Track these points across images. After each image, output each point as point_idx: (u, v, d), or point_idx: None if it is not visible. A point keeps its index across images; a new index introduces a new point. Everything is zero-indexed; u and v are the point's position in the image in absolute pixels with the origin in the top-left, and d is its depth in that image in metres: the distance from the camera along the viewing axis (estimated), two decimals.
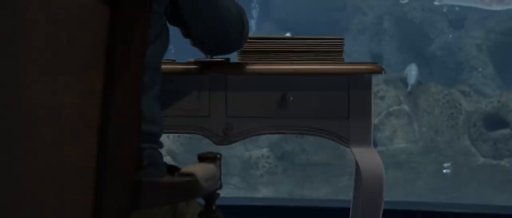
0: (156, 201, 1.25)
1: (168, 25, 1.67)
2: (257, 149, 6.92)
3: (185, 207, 1.53)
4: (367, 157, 1.94)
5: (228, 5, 1.76)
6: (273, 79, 1.95)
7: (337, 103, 1.96)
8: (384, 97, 7.23)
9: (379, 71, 1.94)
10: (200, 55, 2.00)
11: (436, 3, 8.49)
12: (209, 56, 1.99)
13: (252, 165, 6.89)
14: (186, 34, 1.79)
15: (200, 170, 1.36)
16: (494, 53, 8.42)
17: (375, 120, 6.92)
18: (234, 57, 2.02)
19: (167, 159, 6.22)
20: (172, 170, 1.47)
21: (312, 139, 6.47)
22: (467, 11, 8.84)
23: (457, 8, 8.80)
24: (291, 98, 1.95)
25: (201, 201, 1.55)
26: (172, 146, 6.49)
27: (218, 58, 1.97)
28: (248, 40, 1.92)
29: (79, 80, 1.14)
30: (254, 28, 8.45)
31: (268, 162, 6.91)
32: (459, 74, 8.30)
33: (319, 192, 6.72)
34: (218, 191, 1.53)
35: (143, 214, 1.29)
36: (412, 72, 7.38)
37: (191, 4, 1.70)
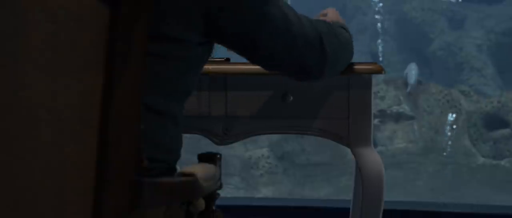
0: (156, 201, 1.25)
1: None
2: (257, 149, 6.92)
3: (193, 207, 1.52)
4: (367, 157, 1.94)
5: (300, 29, 1.60)
6: (273, 79, 1.95)
7: (337, 103, 1.96)
8: (384, 97, 7.24)
9: (379, 71, 1.94)
10: None
11: None
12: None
13: (252, 165, 6.89)
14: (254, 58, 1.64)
15: (200, 170, 1.36)
16: (494, 53, 8.43)
17: (375, 120, 6.92)
18: (234, 57, 2.02)
19: None
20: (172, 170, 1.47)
21: (312, 139, 6.47)
22: (467, 11, 8.84)
23: (457, 8, 8.80)
24: (291, 98, 1.95)
25: None
26: None
27: (219, 58, 1.97)
28: None
29: (79, 80, 1.14)
30: None
31: (268, 162, 6.91)
32: (459, 74, 8.31)
33: (319, 192, 6.72)
34: (218, 191, 1.53)
35: (157, 214, 1.29)
36: (412, 72, 7.38)
37: (248, 45, 1.56)
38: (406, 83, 7.37)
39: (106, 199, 1.15)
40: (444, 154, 7.08)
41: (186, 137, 1.60)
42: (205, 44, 1.51)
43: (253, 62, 1.63)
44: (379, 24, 8.84)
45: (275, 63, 1.63)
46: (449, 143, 7.11)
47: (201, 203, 1.52)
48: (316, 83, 1.95)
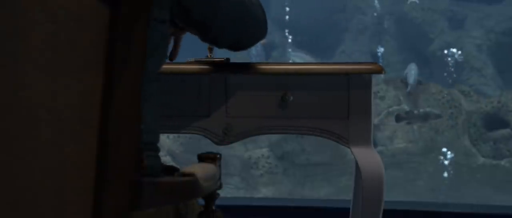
0: (156, 201, 1.25)
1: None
2: (257, 149, 6.92)
3: (184, 207, 1.52)
4: (367, 157, 1.94)
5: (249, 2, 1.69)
6: (273, 79, 1.95)
7: (337, 103, 1.96)
8: (384, 97, 7.24)
9: (379, 71, 1.94)
10: (200, 55, 2.00)
11: None
12: (209, 55, 1.98)
13: (252, 165, 6.89)
14: (206, 37, 1.70)
15: (200, 170, 1.36)
16: (494, 53, 8.43)
17: (375, 120, 6.92)
18: (234, 57, 2.02)
19: (167, 159, 6.22)
20: (171, 170, 1.47)
21: (312, 139, 6.47)
22: (467, 11, 8.84)
23: (457, 8, 8.80)
24: (291, 98, 1.95)
25: (201, 202, 1.55)
26: (172, 146, 6.48)
27: (219, 58, 1.97)
28: None
29: (79, 80, 1.14)
30: None
31: (268, 162, 6.91)
32: (459, 74, 8.30)
33: (319, 192, 6.72)
34: (218, 191, 1.53)
35: (145, 214, 1.29)
36: (412, 72, 7.38)
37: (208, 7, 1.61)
38: (406, 83, 7.37)
39: (106, 199, 1.15)
40: (444, 154, 7.08)
41: (186, 137, 1.60)
42: (167, 23, 1.54)
43: (206, 37, 1.69)
44: (379, 24, 8.84)
45: (229, 34, 1.70)
46: (449, 143, 7.11)
47: (193, 204, 1.52)
48: (313, 81, 1.96)
